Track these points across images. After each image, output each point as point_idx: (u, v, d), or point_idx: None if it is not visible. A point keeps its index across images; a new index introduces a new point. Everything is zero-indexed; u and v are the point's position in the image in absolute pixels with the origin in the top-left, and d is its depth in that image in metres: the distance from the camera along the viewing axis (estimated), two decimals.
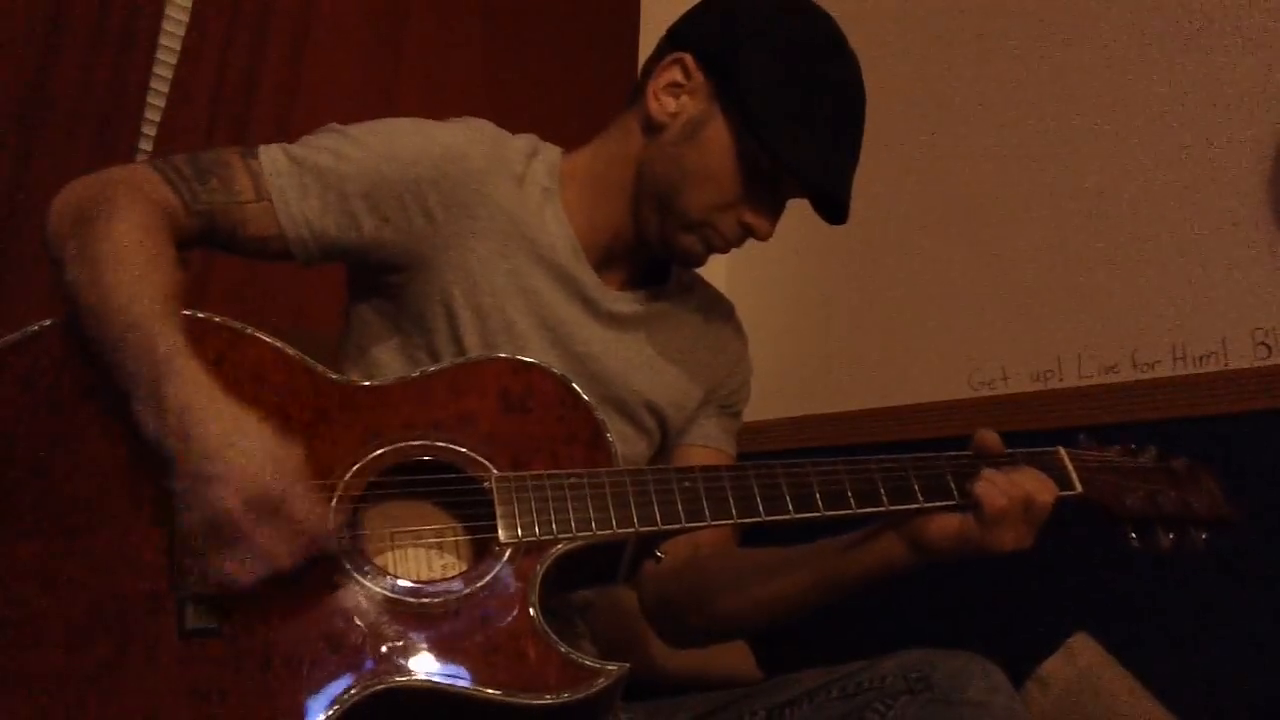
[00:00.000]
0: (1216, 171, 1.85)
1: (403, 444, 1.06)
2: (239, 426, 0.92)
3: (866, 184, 2.37)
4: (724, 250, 1.29)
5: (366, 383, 1.10)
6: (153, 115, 1.92)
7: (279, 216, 1.16)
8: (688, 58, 1.25)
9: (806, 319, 2.44)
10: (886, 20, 2.46)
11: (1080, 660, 1.58)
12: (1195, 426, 1.77)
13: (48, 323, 1.02)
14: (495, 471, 1.06)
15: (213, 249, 1.19)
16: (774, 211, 1.29)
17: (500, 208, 1.24)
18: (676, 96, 1.26)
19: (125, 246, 1.01)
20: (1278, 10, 1.82)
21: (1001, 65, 2.21)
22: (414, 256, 1.22)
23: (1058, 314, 2.01)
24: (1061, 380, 1.97)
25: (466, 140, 1.24)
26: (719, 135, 1.23)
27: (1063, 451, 1.21)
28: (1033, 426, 1.96)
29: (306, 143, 1.20)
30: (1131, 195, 1.95)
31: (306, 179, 1.17)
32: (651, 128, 1.27)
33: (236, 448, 0.91)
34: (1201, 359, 1.81)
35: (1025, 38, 2.18)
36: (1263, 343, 1.74)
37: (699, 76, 1.25)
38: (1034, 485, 1.12)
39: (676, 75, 1.26)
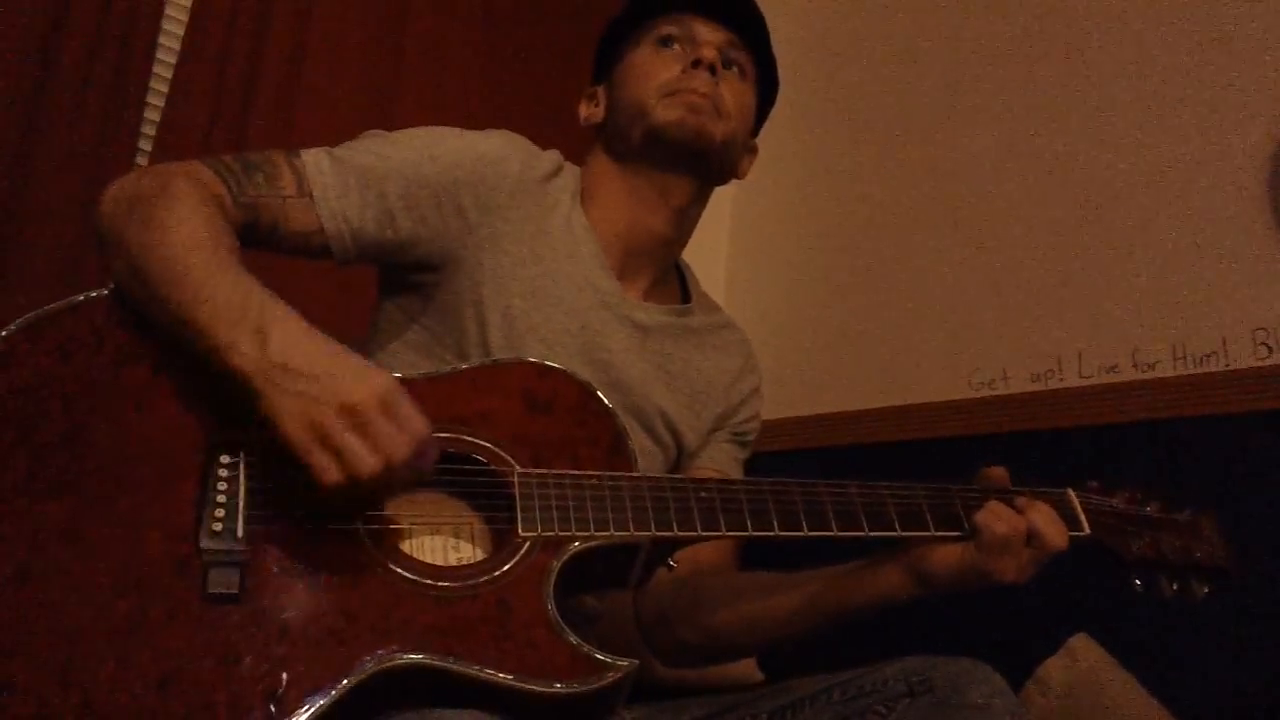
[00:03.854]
0: (1216, 171, 1.85)
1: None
2: (340, 347, 0.99)
3: (867, 184, 2.39)
4: (702, 98, 1.31)
5: (395, 375, 1.12)
6: (153, 115, 1.92)
7: (320, 212, 1.19)
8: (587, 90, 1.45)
9: (806, 319, 2.44)
10: (887, 21, 2.46)
11: (1081, 661, 1.59)
12: (1195, 426, 1.77)
13: (94, 294, 1.06)
14: (518, 467, 1.08)
15: (254, 246, 1.20)
16: (699, 38, 1.35)
17: (531, 214, 1.29)
18: (596, 105, 1.42)
19: (192, 218, 1.05)
20: (1278, 11, 1.83)
21: (1002, 66, 2.21)
22: (447, 257, 1.26)
23: (1058, 314, 2.01)
24: (1061, 380, 1.97)
25: (503, 148, 1.29)
26: (623, 63, 1.38)
27: (1071, 493, 1.23)
28: (1033, 426, 1.96)
29: (349, 146, 1.25)
30: (1131, 195, 1.95)
31: (348, 178, 1.21)
32: (598, 128, 1.41)
33: (347, 357, 0.98)
34: (1202, 359, 1.81)
35: (1026, 39, 2.18)
36: (1263, 343, 1.74)
37: (596, 88, 1.43)
38: (1042, 521, 1.13)
39: (586, 102, 1.44)
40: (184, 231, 1.02)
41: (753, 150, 1.45)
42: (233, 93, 1.96)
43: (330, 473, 0.93)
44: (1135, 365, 1.88)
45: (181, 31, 1.95)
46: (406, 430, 0.95)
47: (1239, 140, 1.83)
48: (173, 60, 1.94)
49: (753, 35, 1.38)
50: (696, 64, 1.31)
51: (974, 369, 2.10)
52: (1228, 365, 1.77)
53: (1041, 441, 1.94)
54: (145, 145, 1.91)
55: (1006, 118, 2.17)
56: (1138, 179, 1.95)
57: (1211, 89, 1.88)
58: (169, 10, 1.95)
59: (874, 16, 2.49)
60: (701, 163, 1.34)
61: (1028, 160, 2.12)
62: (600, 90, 1.42)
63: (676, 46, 1.35)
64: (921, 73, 2.36)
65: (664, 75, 1.32)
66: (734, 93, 1.35)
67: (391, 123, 1.34)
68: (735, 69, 1.36)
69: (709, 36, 1.34)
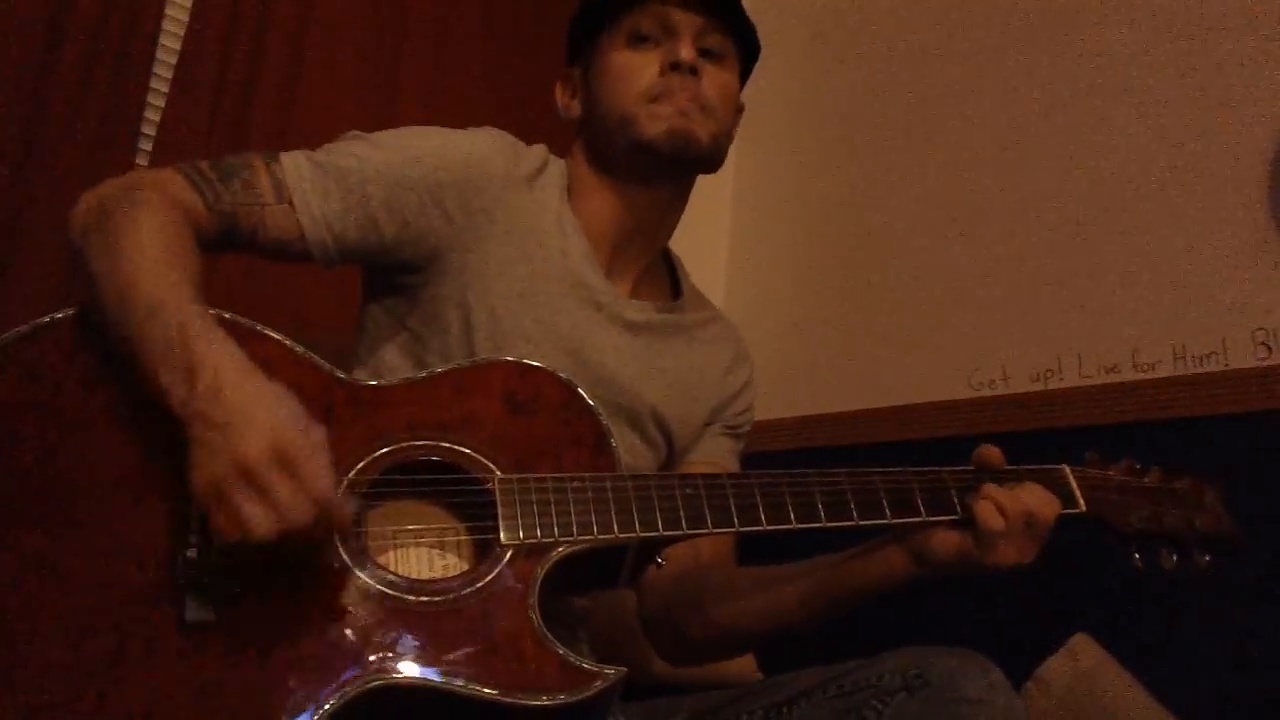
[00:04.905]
0: (1216, 171, 1.85)
1: (407, 443, 1.06)
2: (271, 390, 0.94)
3: (867, 184, 2.39)
4: (686, 102, 1.29)
5: (373, 382, 1.11)
6: (153, 115, 1.92)
7: (300, 218, 1.18)
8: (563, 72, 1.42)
9: (806, 319, 2.44)
10: (887, 20, 2.46)
11: (1081, 661, 1.58)
12: (1195, 426, 1.77)
13: (59, 315, 1.03)
14: (498, 473, 1.06)
15: (234, 251, 1.20)
16: (673, 27, 1.31)
17: (517, 213, 1.27)
18: (573, 95, 1.40)
19: (148, 236, 1.02)
20: (1278, 11, 1.82)
21: (1002, 65, 2.21)
22: (431, 258, 1.24)
23: (1058, 314, 2.00)
24: (1061, 380, 1.97)
25: (487, 147, 1.27)
26: (599, 61, 1.34)
27: (1068, 469, 1.22)
28: (1032, 426, 1.96)
29: (329, 149, 1.23)
30: (1131, 195, 1.95)
31: (328, 182, 1.19)
32: (578, 122, 1.38)
33: (267, 405, 0.92)
34: (1202, 359, 1.81)
35: (1026, 38, 2.18)
36: (1263, 343, 1.74)
37: (573, 70, 1.40)
38: (1035, 501, 1.13)
39: (563, 87, 1.42)
40: (138, 254, 1.00)
41: (739, 110, 1.42)
42: (233, 93, 1.96)
43: (226, 533, 0.89)
44: (1135, 365, 1.88)
45: (182, 31, 1.95)
46: (307, 490, 0.89)
47: (1239, 140, 1.82)
48: (173, 60, 1.94)
49: (727, 12, 1.34)
50: (675, 66, 1.28)
51: (974, 369, 2.10)
52: (1228, 365, 1.77)
53: (1041, 441, 1.93)
54: (145, 145, 1.90)
55: (1007, 117, 2.17)
56: (1138, 179, 1.95)
57: (1211, 89, 1.88)
58: (169, 10, 1.95)
59: (875, 16, 2.49)
60: (690, 167, 1.34)
61: (1028, 160, 2.12)
62: (576, 75, 1.39)
63: (652, 41, 1.31)
64: (921, 72, 2.35)
65: (643, 80, 1.29)
66: (716, 84, 1.31)
67: (391, 122, 1.33)
68: (714, 57, 1.33)
69: (684, 26, 1.31)
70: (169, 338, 0.94)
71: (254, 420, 0.90)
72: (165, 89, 1.92)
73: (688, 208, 1.41)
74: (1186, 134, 1.90)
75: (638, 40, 1.31)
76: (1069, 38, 2.10)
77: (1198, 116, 1.89)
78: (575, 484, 1.07)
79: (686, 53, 1.29)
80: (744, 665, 1.78)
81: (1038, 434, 1.95)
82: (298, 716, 0.89)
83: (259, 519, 0.88)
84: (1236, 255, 1.80)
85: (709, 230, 2.57)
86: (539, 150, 1.34)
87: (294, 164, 1.19)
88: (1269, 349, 1.73)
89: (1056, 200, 2.05)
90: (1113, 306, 1.93)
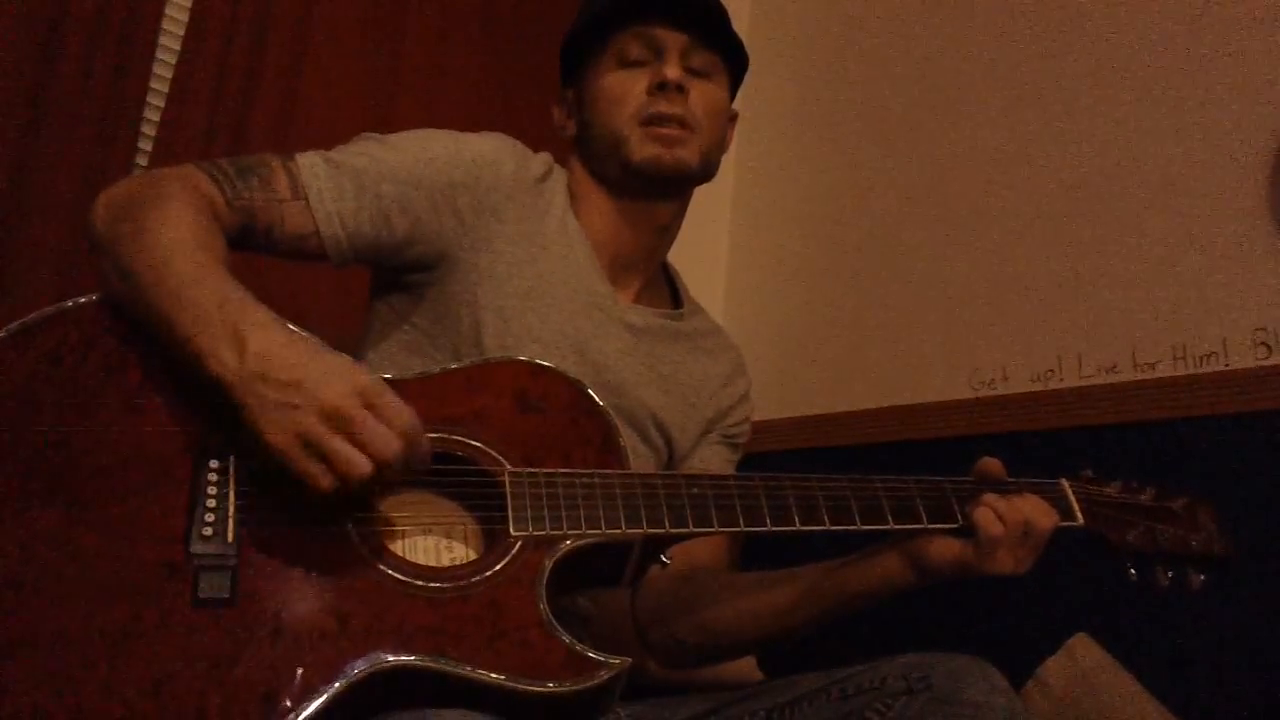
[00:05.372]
0: (1216, 171, 1.85)
1: None
2: (319, 347, 0.97)
3: (867, 184, 2.39)
4: (675, 129, 1.32)
5: (387, 376, 1.12)
6: (153, 115, 1.92)
7: (315, 215, 1.20)
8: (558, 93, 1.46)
9: (806, 319, 2.44)
10: (885, 22, 2.46)
11: (1081, 661, 1.59)
12: (1195, 426, 1.77)
13: (82, 299, 1.06)
14: (509, 466, 1.08)
15: (249, 249, 1.21)
16: (660, 46, 1.34)
17: (526, 216, 1.30)
18: (569, 116, 1.43)
19: (179, 223, 1.04)
20: (1278, 10, 1.82)
21: (1002, 65, 2.21)
22: (442, 257, 1.27)
23: (1058, 314, 2.00)
24: (1062, 380, 1.97)
25: (497, 150, 1.30)
26: (590, 81, 1.37)
27: (1065, 483, 1.23)
28: (1033, 427, 1.96)
29: (343, 149, 1.26)
30: (1131, 195, 1.95)
31: (343, 180, 1.21)
32: (575, 140, 1.42)
33: (325, 358, 0.96)
34: (1202, 359, 1.81)
35: (1025, 37, 2.18)
36: (1263, 343, 1.74)
37: (567, 92, 1.43)
38: (1033, 511, 1.15)
39: (559, 108, 1.45)
40: (171, 234, 1.02)
41: (732, 119, 1.45)
42: (233, 93, 1.96)
43: (322, 479, 0.93)
44: (1135, 365, 1.88)
45: (181, 31, 1.95)
46: (394, 425, 0.94)
47: (1239, 140, 1.82)
48: (173, 60, 1.94)
49: (712, 28, 1.37)
50: (662, 86, 1.31)
51: (974, 369, 2.10)
52: (1228, 365, 1.77)
53: (1041, 441, 1.94)
54: (145, 145, 1.90)
55: (1006, 118, 2.17)
56: (1138, 179, 1.95)
57: (1212, 88, 1.88)
58: (169, 10, 1.95)
59: (874, 17, 2.49)
60: (683, 186, 1.37)
61: (1028, 160, 2.12)
62: (570, 96, 1.43)
63: (640, 62, 1.34)
64: (919, 74, 2.35)
65: (632, 100, 1.33)
66: (704, 99, 1.35)
67: (391, 123, 1.35)
68: (701, 73, 1.36)
69: (670, 45, 1.34)
70: (209, 310, 0.96)
71: (326, 370, 0.93)
72: (165, 89, 1.92)
73: (688, 208, 1.43)
74: (1186, 134, 1.90)
75: (626, 62, 1.35)
76: (1069, 39, 2.10)
77: (1198, 116, 1.89)
78: (584, 480, 1.09)
79: (672, 72, 1.32)
80: (746, 667, 1.78)
81: (1038, 434, 1.95)
82: (306, 694, 0.90)
83: (356, 459, 0.92)
84: (1236, 255, 1.80)
85: (710, 230, 2.57)
86: (544, 158, 1.37)
87: (309, 163, 1.21)
88: (1269, 349, 1.73)
89: (1056, 200, 2.06)
90: (1113, 306, 1.93)
